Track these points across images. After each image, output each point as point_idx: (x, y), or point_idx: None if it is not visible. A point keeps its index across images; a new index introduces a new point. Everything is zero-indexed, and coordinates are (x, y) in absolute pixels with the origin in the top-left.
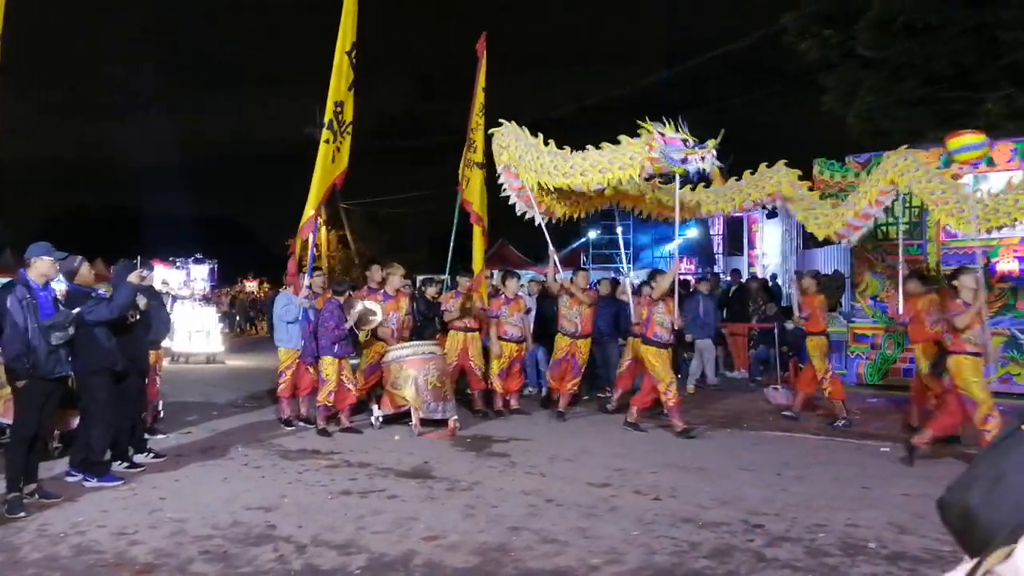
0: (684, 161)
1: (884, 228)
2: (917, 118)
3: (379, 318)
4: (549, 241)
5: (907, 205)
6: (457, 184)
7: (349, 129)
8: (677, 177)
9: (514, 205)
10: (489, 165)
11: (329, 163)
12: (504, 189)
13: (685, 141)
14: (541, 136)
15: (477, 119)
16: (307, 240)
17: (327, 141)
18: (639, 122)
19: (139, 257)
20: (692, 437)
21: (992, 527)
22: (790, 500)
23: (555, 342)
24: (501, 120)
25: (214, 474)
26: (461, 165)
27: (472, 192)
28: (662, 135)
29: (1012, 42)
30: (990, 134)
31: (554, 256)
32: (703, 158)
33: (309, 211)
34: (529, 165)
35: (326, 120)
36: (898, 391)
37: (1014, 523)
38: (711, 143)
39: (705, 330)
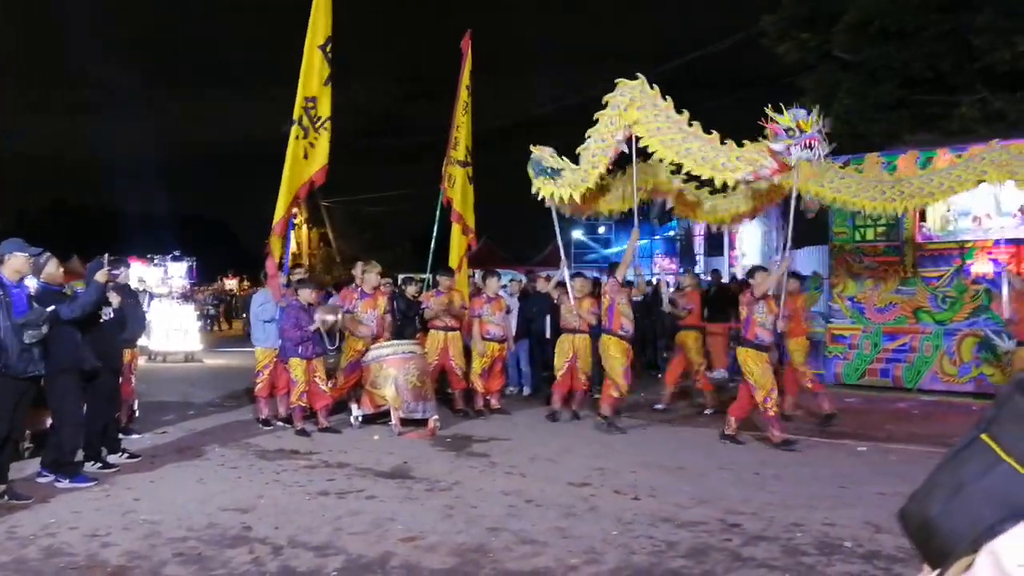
0: (787, 151)
1: (862, 230)
2: (894, 120)
3: (330, 318)
4: (560, 248)
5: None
6: (440, 182)
7: (327, 125)
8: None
9: (537, 194)
10: (474, 164)
11: (301, 160)
12: (590, 154)
13: (788, 130)
14: (687, 113)
15: (461, 117)
16: (285, 238)
17: (297, 137)
18: (766, 111)
19: (106, 254)
20: (794, 450)
21: (952, 538)
22: (768, 499)
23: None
24: (638, 74)
25: (190, 475)
26: (444, 163)
27: (455, 190)
28: (773, 123)
29: (985, 46)
30: (965, 137)
31: (564, 271)
32: (809, 145)
33: (281, 209)
34: (667, 141)
35: (295, 116)
36: (876, 391)
37: (973, 534)
38: (807, 126)
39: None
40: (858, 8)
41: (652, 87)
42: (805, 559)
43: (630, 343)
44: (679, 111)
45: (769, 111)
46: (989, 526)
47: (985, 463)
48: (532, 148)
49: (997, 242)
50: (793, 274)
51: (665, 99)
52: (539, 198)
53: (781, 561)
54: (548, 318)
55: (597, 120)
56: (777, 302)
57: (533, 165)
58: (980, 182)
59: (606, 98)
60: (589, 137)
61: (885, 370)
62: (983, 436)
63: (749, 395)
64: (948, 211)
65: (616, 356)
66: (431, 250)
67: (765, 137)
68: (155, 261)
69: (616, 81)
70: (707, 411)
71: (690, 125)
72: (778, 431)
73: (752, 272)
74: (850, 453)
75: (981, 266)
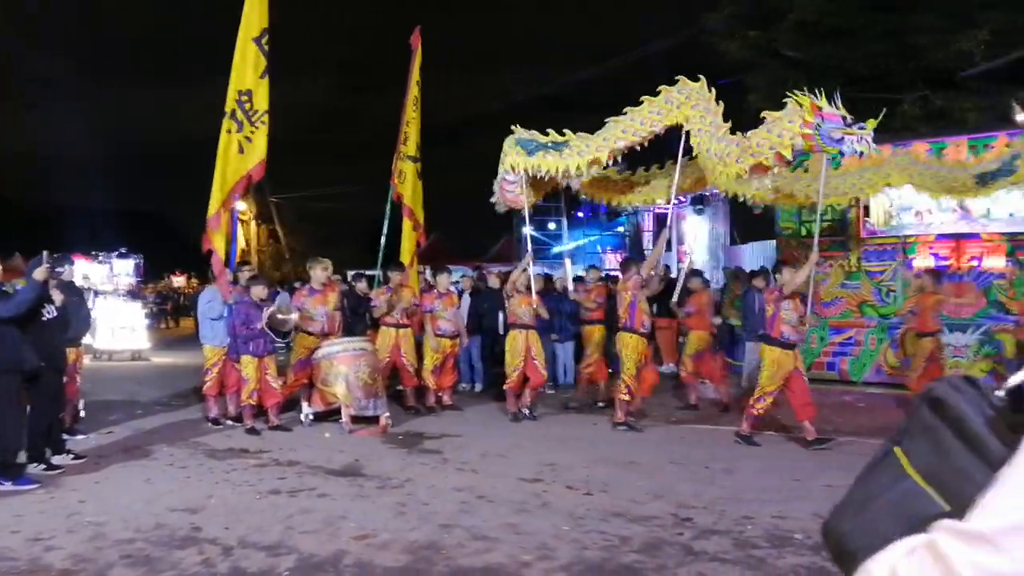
0: (840, 141)
1: (808, 224)
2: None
3: (292, 318)
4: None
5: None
6: (391, 178)
7: (264, 119)
8: (825, 159)
9: (492, 199)
10: (420, 158)
11: (235, 154)
12: (619, 129)
13: (844, 119)
14: (730, 122)
15: (411, 113)
16: (229, 235)
17: (230, 131)
18: (789, 93)
19: (45, 252)
20: (826, 448)
21: (860, 553)
22: (719, 493)
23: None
24: (699, 76)
25: (137, 475)
26: (395, 158)
27: (405, 186)
28: (819, 109)
29: (925, 46)
30: (906, 135)
31: (529, 260)
32: (861, 139)
33: (215, 205)
34: (700, 143)
35: (227, 109)
36: (823, 384)
37: (875, 550)
38: (871, 123)
39: (758, 329)
40: (803, 7)
41: (710, 90)
42: (756, 552)
43: (791, 348)
44: (724, 114)
45: (802, 95)
46: (889, 542)
47: (892, 477)
48: (514, 128)
49: (938, 237)
50: (695, 271)
51: (719, 103)
52: (507, 182)
53: (732, 554)
54: (500, 314)
55: (642, 102)
56: (804, 300)
57: (522, 144)
58: (887, 185)
59: (661, 88)
60: (625, 114)
61: (831, 363)
62: (895, 449)
63: (804, 389)
64: (891, 206)
65: (631, 355)
66: (381, 246)
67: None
68: (100, 258)
69: (677, 78)
70: (600, 403)
71: (733, 133)
72: (748, 427)
73: (777, 267)
74: (798, 446)
75: (923, 260)
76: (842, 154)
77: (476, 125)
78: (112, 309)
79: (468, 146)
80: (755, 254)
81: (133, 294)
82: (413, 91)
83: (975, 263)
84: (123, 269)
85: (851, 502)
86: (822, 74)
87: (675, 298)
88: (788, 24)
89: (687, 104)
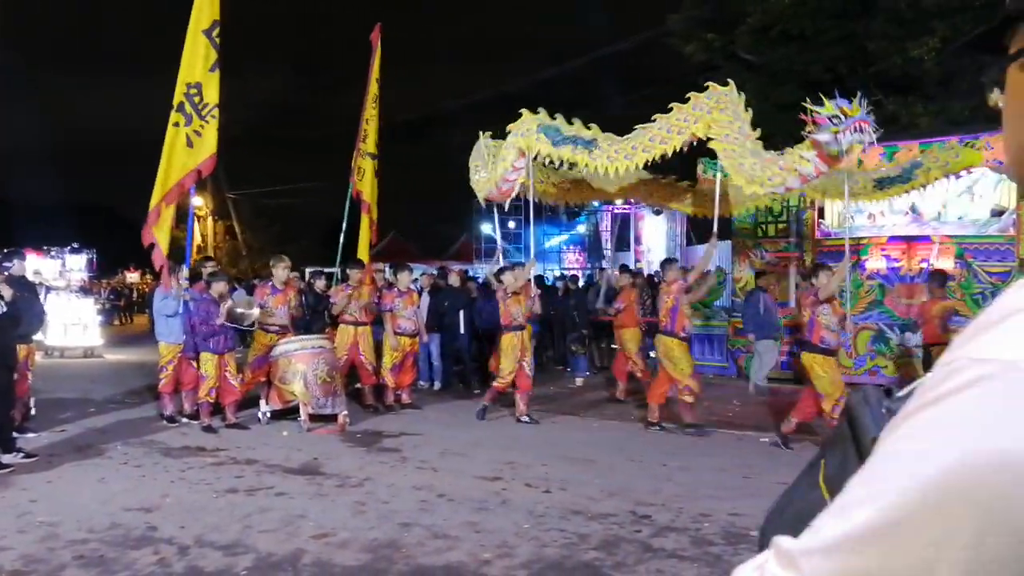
0: (834, 141)
1: (763, 226)
2: (797, 121)
3: (254, 313)
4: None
5: (785, 203)
6: (350, 175)
7: (215, 113)
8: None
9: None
10: (379, 155)
11: (183, 148)
12: (647, 137)
13: (833, 118)
14: (759, 130)
15: (371, 110)
16: (183, 229)
17: (177, 124)
18: (805, 104)
19: None
20: (790, 448)
21: None
22: (676, 491)
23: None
24: (728, 80)
25: (90, 474)
26: (355, 155)
27: (364, 182)
28: (813, 120)
29: (879, 52)
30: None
31: (500, 253)
32: (856, 129)
33: (156, 198)
34: (729, 151)
35: (175, 103)
36: (777, 382)
37: None
38: (855, 107)
39: (765, 329)
40: (761, 11)
41: (740, 94)
42: (712, 549)
43: (832, 355)
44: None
45: (809, 105)
46: None
47: (809, 485)
48: (525, 113)
49: (890, 239)
50: (623, 267)
51: (747, 110)
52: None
53: (690, 551)
54: (461, 313)
55: (671, 109)
56: (842, 303)
57: (547, 132)
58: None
59: (691, 94)
60: (654, 121)
61: (785, 362)
62: (822, 460)
63: (814, 400)
64: (844, 208)
65: (681, 357)
66: (341, 243)
67: (802, 137)
68: (52, 253)
69: (706, 84)
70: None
71: (758, 139)
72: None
73: (814, 270)
74: (753, 443)
75: (875, 262)
76: (842, 153)
77: (436, 124)
78: (64, 305)
79: (428, 144)
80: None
81: (85, 290)
82: (373, 88)
83: (925, 265)
84: (76, 264)
85: (775, 508)
86: (777, 78)
87: (600, 300)
88: (747, 28)
89: (716, 108)
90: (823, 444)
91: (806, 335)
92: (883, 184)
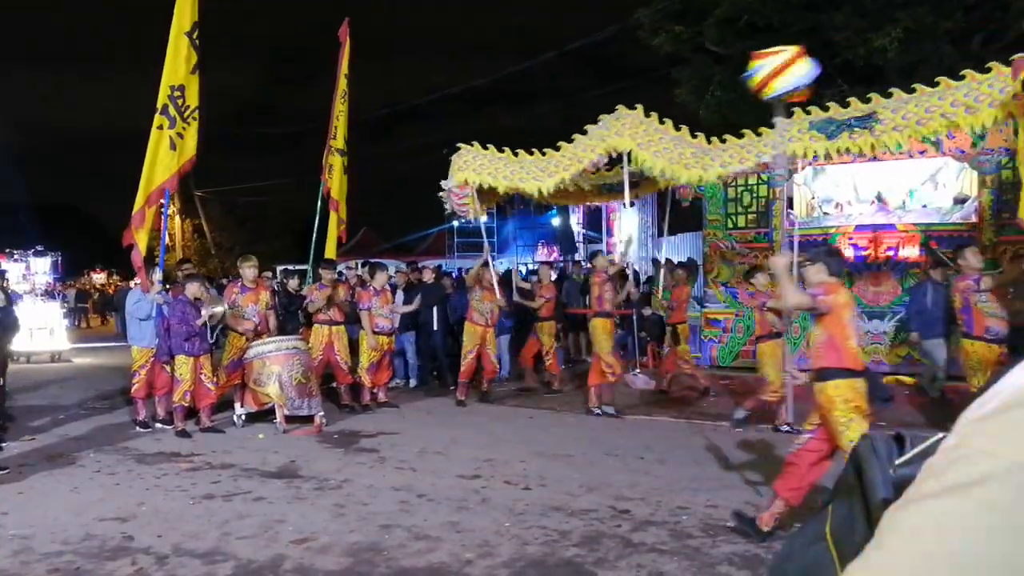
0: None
1: (734, 217)
2: (763, 111)
3: (219, 310)
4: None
5: (755, 195)
6: (321, 173)
7: (196, 115)
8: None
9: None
10: (348, 151)
11: (167, 151)
12: (566, 158)
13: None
14: (684, 128)
15: (340, 106)
16: (158, 231)
17: (161, 127)
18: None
19: None
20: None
21: None
22: (654, 484)
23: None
24: (637, 105)
25: (63, 484)
26: (325, 152)
27: (333, 180)
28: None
29: (843, 43)
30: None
31: (487, 255)
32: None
33: (140, 200)
34: (660, 152)
35: (159, 105)
36: (749, 372)
37: None
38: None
39: (933, 327)
40: (729, 3)
41: (648, 115)
42: (691, 541)
43: (1001, 343)
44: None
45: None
46: None
47: (814, 535)
48: (461, 147)
49: (857, 228)
50: (669, 261)
51: (663, 122)
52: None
53: (670, 545)
54: (435, 310)
55: (586, 131)
56: (1003, 293)
57: (474, 162)
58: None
59: (601, 116)
60: (572, 141)
61: (754, 351)
62: (829, 506)
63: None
64: (813, 198)
65: (603, 337)
66: (312, 241)
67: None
68: (15, 256)
69: (616, 107)
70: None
71: (694, 136)
72: None
73: (751, 272)
74: (726, 435)
75: (843, 251)
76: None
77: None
78: (29, 310)
79: (400, 140)
80: (683, 245)
81: (51, 293)
82: (342, 84)
83: (891, 253)
84: (41, 267)
85: (780, 557)
86: (745, 69)
87: (515, 294)
88: (713, 20)
89: (626, 132)
90: (833, 491)
91: (964, 326)
92: (825, 128)
